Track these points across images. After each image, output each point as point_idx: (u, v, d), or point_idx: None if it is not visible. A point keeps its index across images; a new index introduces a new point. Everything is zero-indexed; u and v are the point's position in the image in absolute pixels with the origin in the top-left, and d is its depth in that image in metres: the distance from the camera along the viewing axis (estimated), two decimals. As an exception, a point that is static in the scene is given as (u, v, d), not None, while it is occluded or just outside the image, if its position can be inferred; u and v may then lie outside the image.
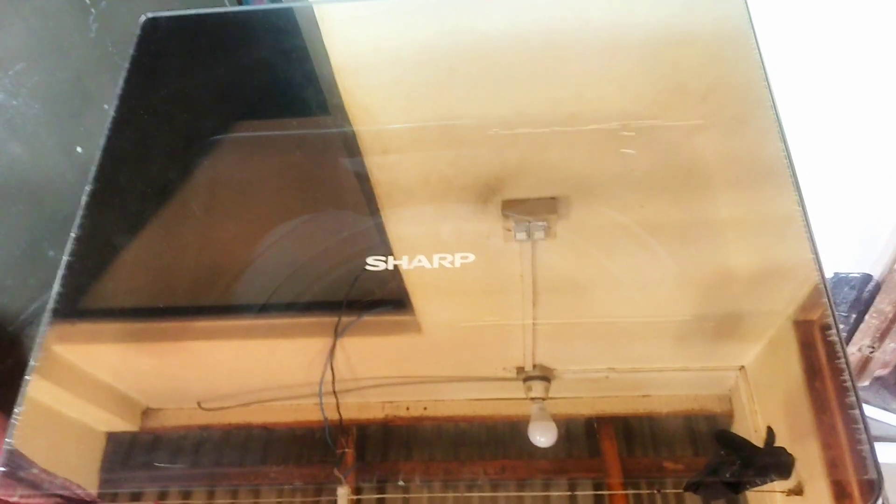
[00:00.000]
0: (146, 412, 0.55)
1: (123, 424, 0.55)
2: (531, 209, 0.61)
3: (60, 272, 0.60)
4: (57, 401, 0.56)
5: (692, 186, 0.62)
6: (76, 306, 0.60)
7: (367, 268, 0.59)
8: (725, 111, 0.66)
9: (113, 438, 0.54)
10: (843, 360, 0.50)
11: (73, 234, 0.62)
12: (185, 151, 0.70)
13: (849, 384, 0.49)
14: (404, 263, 0.59)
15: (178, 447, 0.53)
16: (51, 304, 0.59)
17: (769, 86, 0.66)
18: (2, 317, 1.01)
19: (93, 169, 0.67)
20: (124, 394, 0.56)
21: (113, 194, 0.66)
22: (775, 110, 0.64)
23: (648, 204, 0.61)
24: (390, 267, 0.59)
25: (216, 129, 0.71)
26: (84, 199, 0.65)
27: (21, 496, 0.50)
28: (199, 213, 0.66)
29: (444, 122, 0.69)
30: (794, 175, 0.60)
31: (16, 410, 0.53)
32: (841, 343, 0.51)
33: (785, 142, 0.62)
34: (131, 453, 0.53)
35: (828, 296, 0.54)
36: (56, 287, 0.60)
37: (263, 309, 0.59)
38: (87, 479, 0.51)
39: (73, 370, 0.57)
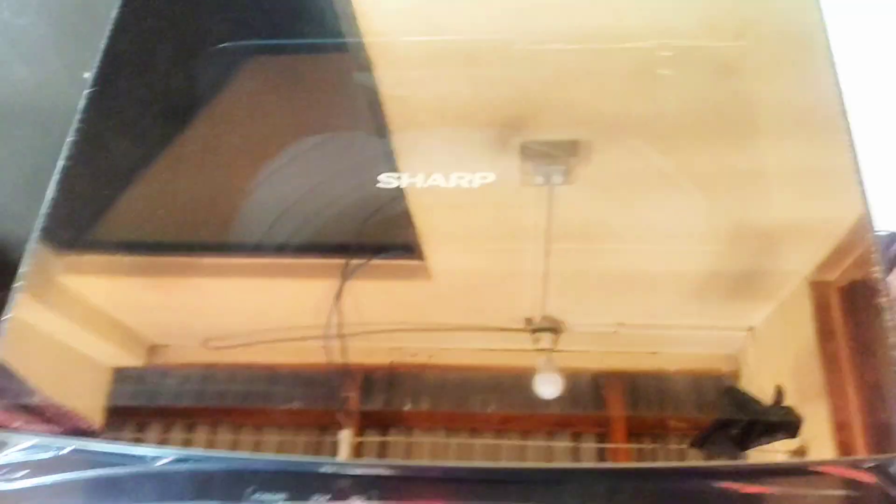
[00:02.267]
0: (152, 348, 0.55)
1: (129, 359, 0.55)
2: (551, 150, 0.59)
3: (55, 178, 0.59)
4: (64, 333, 0.56)
5: (727, 128, 0.60)
6: (77, 236, 0.59)
7: (379, 185, 0.57)
8: (776, 44, 0.63)
9: (119, 373, 0.54)
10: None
11: (69, 139, 0.61)
12: (189, 59, 0.68)
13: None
14: (419, 181, 0.57)
15: (182, 384, 0.53)
16: (40, 223, 0.58)
17: (825, 28, 0.62)
18: (6, 243, 1.01)
19: (92, 72, 0.65)
20: (130, 329, 0.56)
21: (113, 100, 0.65)
22: (830, 54, 0.60)
23: (676, 149, 0.59)
24: (404, 184, 0.57)
25: (222, 37, 0.68)
26: (83, 102, 0.63)
27: (23, 423, 0.50)
28: (203, 128, 0.64)
29: (465, 35, 0.66)
30: (847, 125, 0.57)
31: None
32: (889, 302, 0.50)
33: (839, 87, 0.59)
34: (137, 388, 0.53)
35: (876, 254, 0.52)
36: (50, 193, 0.59)
37: (271, 247, 0.58)
38: (92, 412, 0.52)
39: (80, 302, 0.57)
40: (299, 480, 0.47)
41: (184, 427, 0.52)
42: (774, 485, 0.46)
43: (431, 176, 0.57)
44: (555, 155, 0.58)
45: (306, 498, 0.47)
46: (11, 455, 0.51)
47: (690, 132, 0.60)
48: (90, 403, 0.52)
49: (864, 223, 0.53)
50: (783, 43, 0.64)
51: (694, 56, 0.62)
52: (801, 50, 0.63)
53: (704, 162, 0.59)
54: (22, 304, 0.54)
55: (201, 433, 0.51)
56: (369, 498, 0.46)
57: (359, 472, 0.48)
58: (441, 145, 0.61)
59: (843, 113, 0.58)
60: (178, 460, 0.49)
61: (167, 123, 0.65)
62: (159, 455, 0.49)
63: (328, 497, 0.46)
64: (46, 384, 0.52)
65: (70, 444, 0.50)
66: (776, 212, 0.56)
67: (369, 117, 0.63)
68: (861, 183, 0.55)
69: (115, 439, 0.50)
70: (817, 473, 0.46)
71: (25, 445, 0.51)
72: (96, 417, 0.51)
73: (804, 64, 0.62)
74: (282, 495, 0.47)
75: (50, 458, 0.50)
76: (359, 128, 0.63)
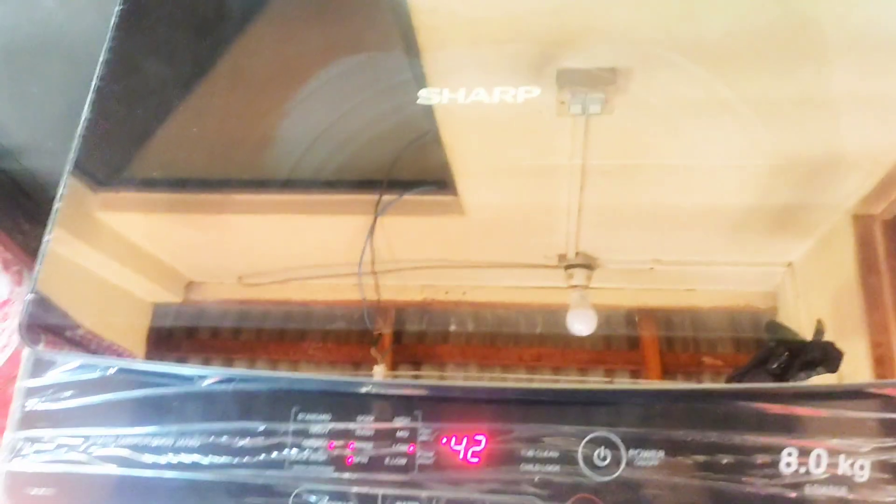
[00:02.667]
0: (189, 285, 0.56)
1: (168, 295, 0.56)
2: (589, 79, 0.57)
3: (89, 99, 0.59)
4: (104, 269, 0.56)
5: (774, 53, 0.57)
6: (115, 173, 0.59)
7: (420, 101, 0.56)
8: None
9: (158, 308, 0.55)
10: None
11: (102, 58, 0.61)
12: None
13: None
14: (461, 96, 0.56)
15: (219, 320, 0.54)
16: (70, 162, 0.58)
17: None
18: (45, 180, 1.03)
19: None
20: (168, 265, 0.57)
21: (142, 17, 0.64)
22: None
23: (719, 76, 0.56)
24: (446, 100, 0.56)
25: None
26: (114, 20, 0.63)
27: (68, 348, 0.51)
28: (230, 53, 0.63)
29: None
30: None
31: (40, 258, 0.54)
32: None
33: None
34: (175, 324, 0.54)
35: None
36: (85, 114, 0.59)
37: (303, 183, 0.58)
38: (132, 345, 0.53)
39: (119, 239, 0.58)
40: (342, 401, 0.48)
41: (221, 362, 0.53)
42: (837, 408, 0.45)
43: (474, 91, 0.56)
44: (593, 83, 0.56)
45: (351, 418, 0.47)
46: (58, 375, 0.52)
47: (736, 58, 0.58)
48: (129, 336, 0.54)
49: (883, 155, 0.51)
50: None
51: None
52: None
53: (751, 89, 0.56)
54: (58, 238, 0.55)
55: (239, 367, 0.53)
56: (414, 418, 0.47)
57: (402, 392, 0.48)
58: (477, 66, 0.59)
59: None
60: (224, 381, 0.50)
61: (199, 44, 0.64)
62: (204, 375, 0.50)
63: (372, 417, 0.47)
64: (86, 317, 0.53)
65: (115, 364, 0.51)
66: (822, 143, 0.54)
67: (402, 39, 0.62)
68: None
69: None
70: (882, 396, 0.45)
71: (72, 366, 0.52)
72: (136, 350, 0.53)
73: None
74: (326, 416, 0.48)
75: (96, 379, 0.51)
76: (391, 49, 0.61)
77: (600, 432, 0.46)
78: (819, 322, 0.47)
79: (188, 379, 0.50)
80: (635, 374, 0.49)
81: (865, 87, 0.56)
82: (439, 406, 0.47)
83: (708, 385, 0.48)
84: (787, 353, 0.47)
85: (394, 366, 0.51)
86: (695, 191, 0.55)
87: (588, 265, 0.52)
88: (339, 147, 0.58)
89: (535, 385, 0.49)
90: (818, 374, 0.46)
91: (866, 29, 0.57)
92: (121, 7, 0.63)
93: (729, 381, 0.48)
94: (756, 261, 0.53)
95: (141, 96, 0.62)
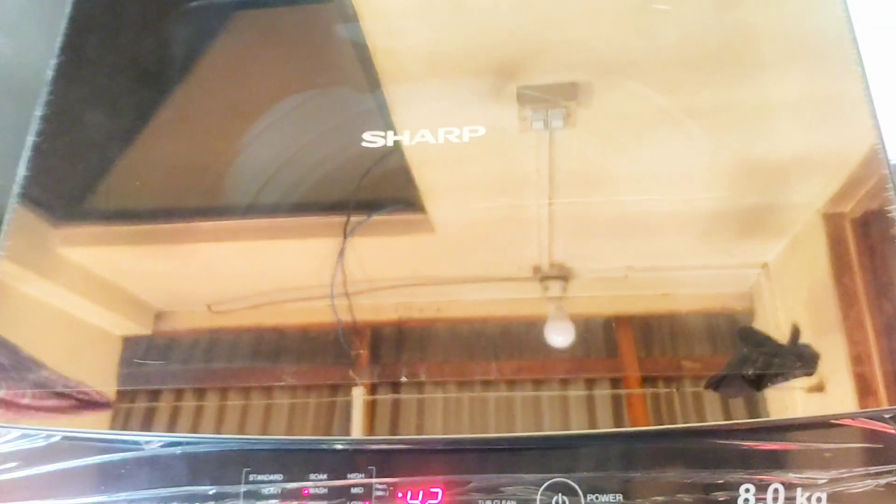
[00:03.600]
0: (158, 315, 0.54)
1: (137, 328, 0.54)
2: (549, 94, 0.57)
3: (26, 153, 0.58)
4: (70, 305, 0.55)
5: (727, 63, 0.58)
6: (74, 208, 0.58)
7: (364, 144, 0.56)
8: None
9: (128, 342, 0.53)
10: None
11: (37, 113, 0.59)
12: (160, 19, 0.65)
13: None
14: (405, 139, 0.56)
15: (191, 350, 0.53)
16: (16, 189, 0.57)
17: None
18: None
19: (58, 39, 0.62)
20: (135, 297, 0.55)
21: (82, 68, 0.62)
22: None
23: (677, 85, 0.57)
24: (389, 143, 0.56)
25: None
26: (50, 73, 0.60)
27: (32, 398, 0.50)
28: (179, 94, 0.62)
29: None
30: (857, 54, 0.56)
31: None
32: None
33: (848, 14, 0.57)
34: (146, 356, 0.53)
35: (890, 184, 0.51)
36: (21, 170, 0.57)
37: (269, 207, 0.57)
38: (103, 382, 0.51)
39: (83, 273, 0.56)
40: (294, 459, 0.47)
41: (194, 394, 0.51)
42: (793, 440, 0.45)
43: (418, 132, 0.56)
44: (553, 98, 0.57)
45: (304, 477, 0.46)
46: (0, 445, 0.50)
47: (693, 68, 0.59)
48: (98, 373, 0.52)
49: (876, 153, 0.52)
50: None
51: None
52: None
53: (709, 97, 0.57)
54: (11, 275, 0.54)
55: (212, 399, 0.51)
56: (368, 474, 0.46)
57: (354, 447, 0.48)
58: (432, 97, 0.60)
59: (853, 41, 0.56)
60: (171, 444, 0.48)
61: (142, 89, 0.63)
62: (149, 440, 0.49)
63: (325, 476, 0.46)
64: (50, 356, 0.52)
65: (57, 433, 0.49)
66: (785, 145, 0.55)
67: (356, 71, 0.62)
68: (873, 112, 0.53)
69: (116, 420, 0.50)
70: (837, 426, 0.46)
71: (14, 435, 0.50)
72: (107, 387, 0.51)
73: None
74: (278, 475, 0.46)
75: (41, 448, 0.49)
76: (346, 82, 0.61)
77: (558, 478, 0.45)
78: (794, 325, 0.48)
79: (135, 443, 0.49)
80: (616, 382, 0.49)
81: (818, 92, 0.57)
82: (393, 459, 0.47)
83: (662, 426, 0.48)
84: (762, 359, 0.47)
85: (372, 387, 0.50)
86: (663, 197, 0.55)
87: (563, 276, 0.52)
88: (303, 171, 0.58)
89: (489, 435, 0.48)
90: (795, 377, 0.46)
91: (810, 40, 0.58)
92: (58, 59, 0.62)
93: (706, 388, 0.48)
94: (730, 263, 0.53)
95: (82, 146, 0.60)
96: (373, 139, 0.56)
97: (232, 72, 0.64)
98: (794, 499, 0.44)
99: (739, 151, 0.55)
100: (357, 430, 0.48)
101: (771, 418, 0.46)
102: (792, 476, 0.44)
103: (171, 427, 0.49)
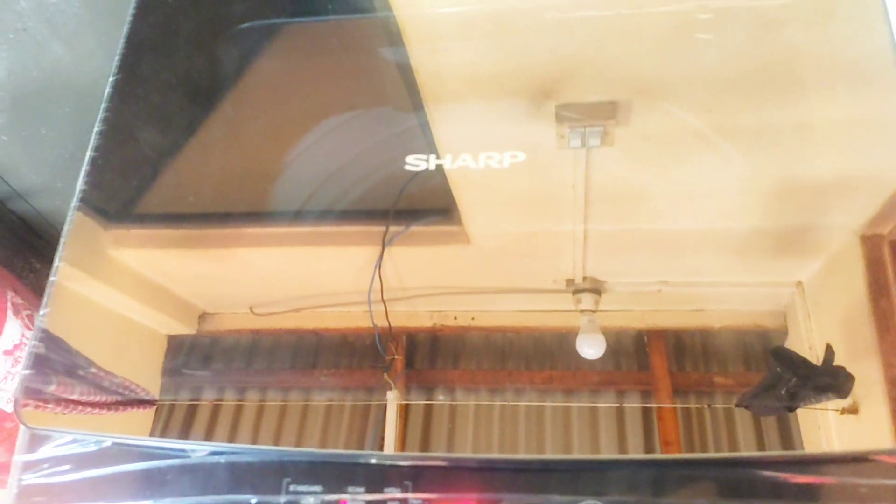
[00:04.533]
0: (202, 316, 0.56)
1: (182, 328, 0.56)
2: (587, 113, 0.58)
3: (84, 167, 0.60)
4: (118, 304, 0.57)
5: (768, 84, 0.58)
6: (125, 210, 0.60)
7: (407, 167, 0.57)
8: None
9: (173, 340, 0.55)
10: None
11: (95, 129, 0.61)
12: (212, 40, 0.67)
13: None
14: (447, 163, 0.56)
15: (232, 350, 0.55)
16: (75, 201, 0.58)
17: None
18: (54, 219, 1.04)
19: (116, 58, 0.65)
20: (181, 298, 0.57)
21: (137, 85, 0.65)
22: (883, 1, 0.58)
23: (717, 106, 0.57)
24: (432, 167, 0.56)
25: (245, 16, 0.67)
26: (108, 90, 0.63)
27: (80, 394, 0.52)
28: (229, 109, 0.64)
29: (496, 4, 0.64)
30: None
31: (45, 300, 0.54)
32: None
33: (893, 36, 0.56)
34: (188, 354, 0.55)
35: None
36: (80, 183, 0.59)
37: (312, 215, 0.59)
38: (148, 380, 0.53)
39: (132, 274, 0.59)
40: (333, 471, 0.47)
41: (235, 392, 0.53)
42: (827, 474, 0.44)
43: (459, 157, 0.57)
44: (591, 117, 0.57)
45: (342, 489, 0.47)
46: (53, 450, 0.51)
47: (733, 89, 0.59)
48: (143, 371, 0.54)
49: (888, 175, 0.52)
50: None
51: (734, 15, 0.60)
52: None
53: (748, 118, 0.57)
54: (65, 275, 0.55)
55: (252, 399, 0.53)
56: (405, 489, 0.46)
57: (392, 462, 0.48)
58: (473, 117, 0.60)
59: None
60: (215, 452, 0.49)
61: (193, 106, 0.65)
62: (195, 449, 0.50)
63: (363, 488, 0.46)
64: (98, 354, 0.53)
65: (108, 439, 0.51)
66: (825, 166, 0.55)
67: (399, 92, 0.63)
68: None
69: (160, 421, 0.51)
70: (873, 461, 0.44)
71: (66, 440, 0.51)
72: (151, 385, 0.53)
73: (854, 14, 0.59)
74: (318, 487, 0.47)
75: (91, 452, 0.50)
76: (388, 103, 0.62)
77: (589, 501, 0.45)
78: (828, 346, 0.47)
79: (181, 450, 0.50)
80: (646, 395, 0.49)
81: (859, 114, 0.56)
82: (429, 475, 0.47)
83: (693, 455, 0.47)
84: (795, 379, 0.47)
85: (406, 391, 0.51)
86: (699, 215, 0.56)
87: (596, 289, 0.52)
88: (348, 183, 0.59)
89: (522, 456, 0.49)
90: (828, 399, 0.46)
91: (852, 63, 0.58)
92: (114, 77, 0.64)
93: (737, 405, 0.48)
94: (765, 281, 0.53)
95: (136, 161, 0.62)
96: (416, 163, 0.57)
97: (279, 88, 0.66)
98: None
99: (778, 171, 0.55)
100: (392, 442, 0.49)
101: (806, 452, 0.46)
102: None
103: (210, 435, 0.51)
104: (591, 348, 0.50)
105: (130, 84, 0.64)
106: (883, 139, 0.55)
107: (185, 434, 0.51)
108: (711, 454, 0.47)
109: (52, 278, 0.54)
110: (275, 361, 0.54)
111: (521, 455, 0.49)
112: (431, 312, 0.53)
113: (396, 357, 0.52)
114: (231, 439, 0.51)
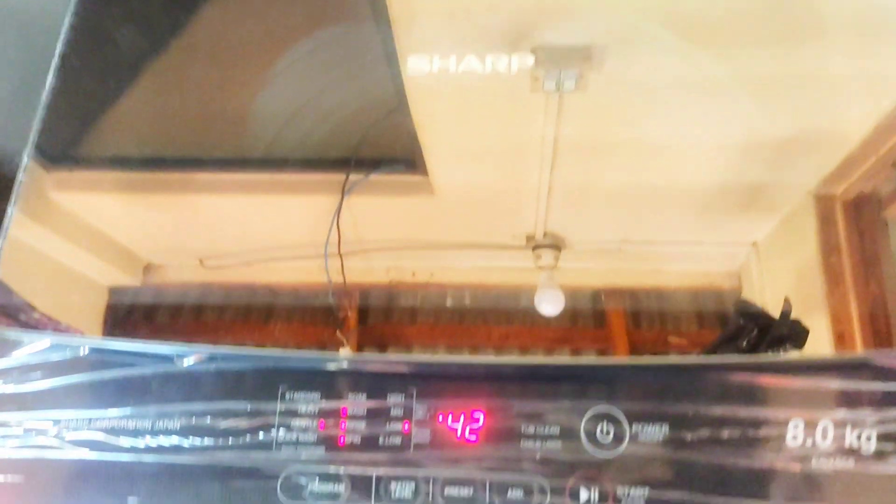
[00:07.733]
0: (147, 267, 0.54)
1: (125, 278, 0.54)
2: (564, 55, 0.56)
3: (40, 108, 0.56)
4: (58, 251, 0.55)
5: (745, 32, 0.57)
6: (69, 151, 0.57)
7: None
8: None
9: (115, 292, 0.53)
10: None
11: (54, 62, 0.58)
12: None
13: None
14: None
15: (180, 303, 0.53)
16: (31, 139, 0.55)
17: None
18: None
19: None
20: (125, 247, 0.55)
21: (97, 26, 0.61)
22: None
23: (691, 55, 0.56)
24: (435, 69, 0.55)
25: None
26: (64, 29, 0.60)
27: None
28: (181, 44, 0.61)
29: None
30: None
31: None
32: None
33: None
34: (134, 307, 0.53)
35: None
36: (36, 123, 0.56)
37: (267, 162, 0.57)
38: (90, 329, 0.51)
39: (74, 220, 0.56)
40: (332, 379, 0.46)
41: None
42: (827, 378, 0.44)
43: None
44: (567, 59, 0.56)
45: (342, 396, 0.45)
46: (25, 356, 0.48)
47: (709, 35, 0.57)
48: (85, 320, 0.52)
49: (875, 136, 0.52)
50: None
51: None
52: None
53: (719, 68, 0.56)
54: (16, 222, 0.53)
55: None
56: (408, 396, 0.45)
57: (395, 369, 0.46)
58: (449, 39, 0.58)
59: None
60: (205, 361, 0.47)
61: (143, 41, 0.61)
62: (184, 353, 0.47)
63: (364, 395, 0.45)
64: (43, 302, 0.51)
65: (88, 344, 0.48)
66: (788, 123, 0.55)
67: (367, 20, 0.60)
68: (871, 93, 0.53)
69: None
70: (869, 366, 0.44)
71: (40, 346, 0.48)
72: (93, 333, 0.51)
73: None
74: (316, 394, 0.45)
75: (67, 360, 0.48)
76: (362, 21, 0.60)
77: (603, 407, 0.44)
78: (787, 300, 0.48)
79: (167, 358, 0.47)
80: (602, 352, 0.49)
81: (836, 67, 0.56)
82: (434, 382, 0.45)
83: (710, 358, 0.47)
84: (756, 331, 0.47)
85: (359, 348, 0.50)
86: (665, 170, 0.55)
87: (556, 245, 0.52)
88: (306, 126, 0.57)
89: (534, 360, 0.48)
90: (785, 350, 0.46)
91: (823, 11, 0.57)
92: (70, 18, 0.60)
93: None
94: (722, 240, 0.53)
95: (101, 70, 0.60)
96: (417, 64, 0.55)
97: (236, 20, 0.63)
98: (843, 437, 0.43)
99: (745, 124, 0.55)
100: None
101: (819, 356, 0.46)
102: (842, 414, 0.43)
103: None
104: (549, 304, 0.50)
105: (88, 23, 0.60)
106: (844, 96, 0.55)
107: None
108: (722, 358, 0.46)
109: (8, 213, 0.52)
110: (224, 316, 0.53)
111: (532, 359, 0.49)
112: (389, 268, 0.52)
113: (349, 314, 0.51)
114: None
